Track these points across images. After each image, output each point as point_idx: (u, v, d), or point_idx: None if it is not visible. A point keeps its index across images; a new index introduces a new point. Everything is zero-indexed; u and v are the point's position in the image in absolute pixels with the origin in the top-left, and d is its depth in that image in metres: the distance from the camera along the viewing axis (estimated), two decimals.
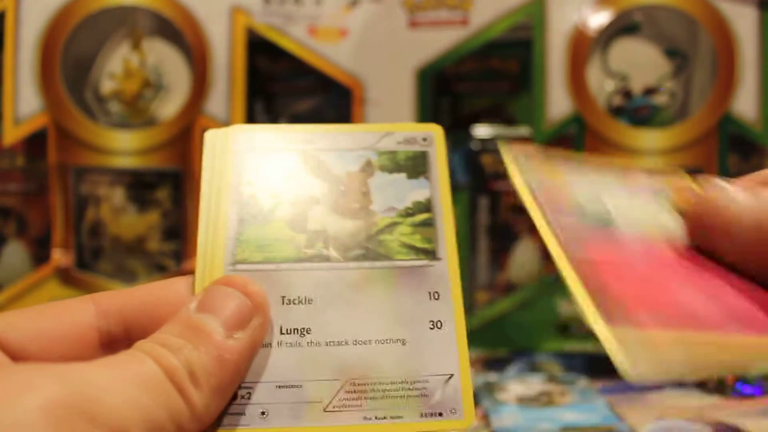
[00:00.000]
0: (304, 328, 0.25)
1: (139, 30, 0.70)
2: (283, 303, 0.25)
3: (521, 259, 0.71)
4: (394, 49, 0.68)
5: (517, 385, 0.59)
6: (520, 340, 0.67)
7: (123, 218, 0.70)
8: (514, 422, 0.51)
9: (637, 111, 0.69)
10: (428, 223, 0.27)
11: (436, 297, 0.26)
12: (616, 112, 0.69)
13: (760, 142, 0.66)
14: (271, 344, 0.24)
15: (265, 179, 0.27)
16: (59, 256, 0.67)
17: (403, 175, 0.28)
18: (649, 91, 0.69)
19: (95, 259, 0.69)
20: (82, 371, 0.20)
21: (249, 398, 0.24)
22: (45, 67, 0.66)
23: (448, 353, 0.25)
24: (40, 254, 0.71)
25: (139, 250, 0.69)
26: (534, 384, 0.59)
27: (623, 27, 0.70)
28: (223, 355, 0.22)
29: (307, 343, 0.24)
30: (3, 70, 0.67)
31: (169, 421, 0.20)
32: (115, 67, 0.70)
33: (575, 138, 0.67)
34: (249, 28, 0.68)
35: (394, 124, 0.29)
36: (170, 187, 0.70)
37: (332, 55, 0.68)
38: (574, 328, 0.67)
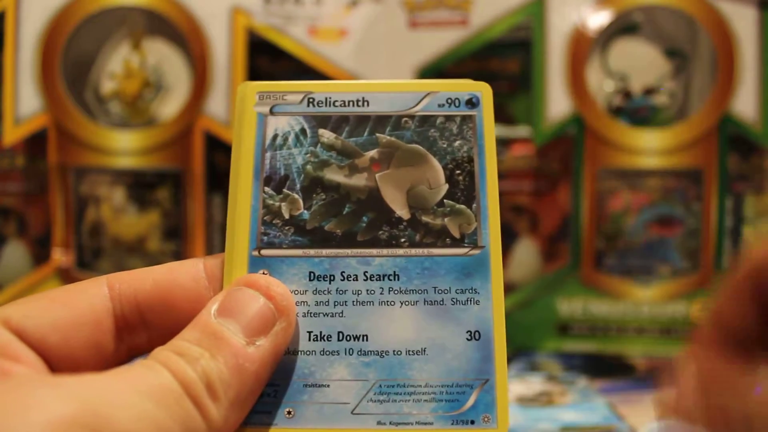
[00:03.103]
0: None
1: (139, 30, 0.70)
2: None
3: (521, 259, 0.71)
4: (394, 49, 0.68)
5: (516, 385, 0.59)
6: (519, 339, 0.67)
7: (123, 218, 0.70)
8: (513, 422, 0.51)
9: (637, 111, 0.69)
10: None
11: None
12: (616, 112, 0.69)
13: (760, 142, 0.66)
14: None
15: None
16: (59, 256, 0.67)
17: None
18: (649, 91, 0.69)
19: (95, 259, 0.69)
20: (93, 385, 0.19)
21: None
22: (45, 67, 0.66)
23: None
24: (40, 254, 0.71)
25: (139, 250, 0.69)
26: (534, 384, 0.59)
27: (623, 27, 0.70)
28: (242, 364, 0.21)
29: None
30: (3, 70, 0.67)
31: None
32: (115, 67, 0.70)
33: (575, 138, 0.67)
34: (249, 28, 0.68)
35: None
36: (170, 187, 0.70)
37: (332, 55, 0.68)
38: (574, 328, 0.67)
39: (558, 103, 0.66)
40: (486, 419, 0.23)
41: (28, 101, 0.66)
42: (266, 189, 0.24)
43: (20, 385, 0.19)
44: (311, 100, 0.25)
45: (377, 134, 0.25)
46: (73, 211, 0.68)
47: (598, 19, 0.67)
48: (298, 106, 0.25)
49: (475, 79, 0.26)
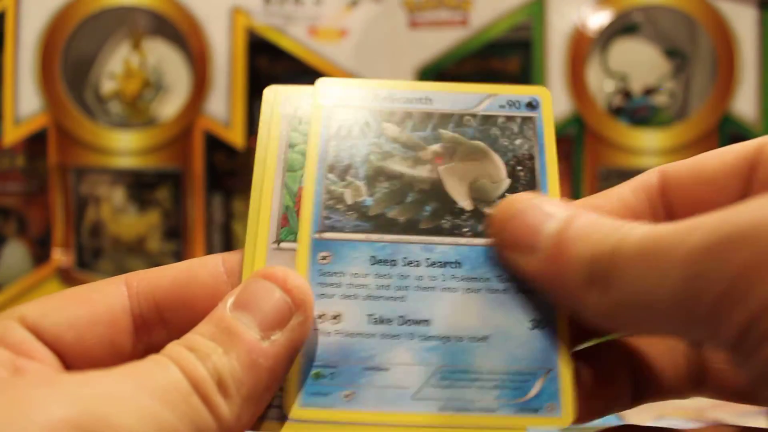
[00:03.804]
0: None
1: (139, 30, 0.70)
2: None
3: None
4: (394, 49, 0.68)
5: None
6: None
7: (123, 218, 0.70)
8: None
9: (636, 111, 0.69)
10: None
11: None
12: (616, 112, 0.69)
13: None
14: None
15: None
16: (59, 256, 0.67)
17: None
18: (649, 91, 0.69)
19: (95, 258, 0.69)
20: (96, 384, 0.18)
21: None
22: (45, 67, 0.66)
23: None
24: (40, 254, 0.71)
25: (139, 250, 0.69)
26: None
27: (623, 27, 0.70)
28: (256, 360, 0.20)
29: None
30: (3, 70, 0.67)
31: None
32: (115, 67, 0.70)
33: (575, 138, 0.67)
34: (249, 28, 0.68)
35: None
36: (170, 187, 0.70)
37: (332, 55, 0.68)
38: None
39: (558, 103, 0.66)
40: (551, 408, 0.22)
41: (28, 101, 0.66)
42: (329, 175, 0.25)
43: (19, 385, 0.19)
44: (377, 95, 0.26)
45: (440, 130, 0.26)
46: (73, 211, 0.68)
47: (598, 19, 0.67)
48: (364, 100, 0.26)
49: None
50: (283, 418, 0.22)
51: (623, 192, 0.25)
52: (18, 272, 0.69)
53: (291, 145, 0.25)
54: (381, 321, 0.23)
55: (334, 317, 0.23)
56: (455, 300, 0.23)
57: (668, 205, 0.24)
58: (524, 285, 0.23)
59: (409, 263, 0.24)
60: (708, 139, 0.66)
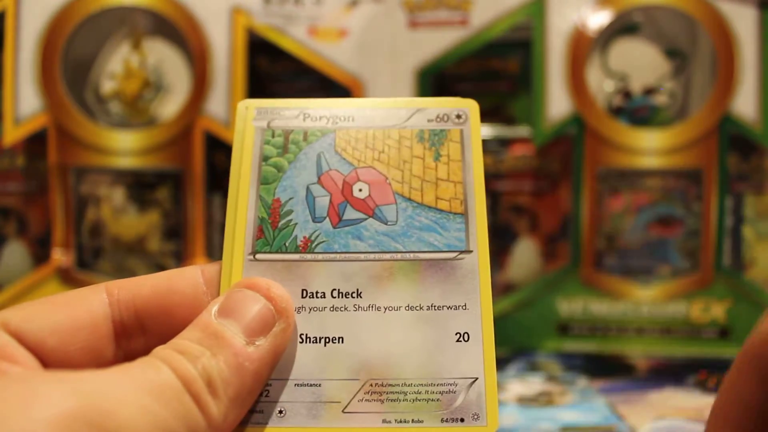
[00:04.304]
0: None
1: (139, 30, 0.70)
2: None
3: (521, 259, 0.71)
4: (394, 49, 0.68)
5: (516, 385, 0.59)
6: (519, 339, 0.67)
7: (123, 218, 0.70)
8: (514, 422, 0.51)
9: (636, 111, 0.69)
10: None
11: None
12: (616, 112, 0.69)
13: (760, 142, 0.66)
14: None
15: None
16: (59, 256, 0.67)
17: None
18: (649, 91, 0.69)
19: (95, 258, 0.69)
20: (95, 381, 0.19)
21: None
22: (45, 67, 0.66)
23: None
24: (40, 254, 0.71)
25: (139, 250, 0.69)
26: (534, 384, 0.59)
27: (623, 27, 0.70)
28: (242, 363, 0.21)
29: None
30: (3, 70, 0.67)
31: None
32: (115, 67, 0.70)
33: (575, 138, 0.67)
34: (249, 28, 0.68)
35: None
36: (170, 187, 0.70)
37: (332, 55, 0.68)
38: (574, 328, 0.67)
39: (558, 103, 0.66)
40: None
41: (28, 101, 0.66)
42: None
43: (22, 380, 0.19)
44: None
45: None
46: (73, 211, 0.68)
47: (598, 19, 0.67)
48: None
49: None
50: (263, 423, 0.23)
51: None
52: (18, 272, 0.69)
53: (265, 158, 0.26)
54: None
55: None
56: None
57: None
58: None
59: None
60: (708, 139, 0.66)
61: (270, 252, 0.25)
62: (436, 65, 0.68)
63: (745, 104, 0.65)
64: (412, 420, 0.23)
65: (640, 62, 0.70)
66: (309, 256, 0.24)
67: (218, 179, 0.70)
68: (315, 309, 0.24)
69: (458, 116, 0.27)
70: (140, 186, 0.70)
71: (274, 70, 0.75)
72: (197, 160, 0.67)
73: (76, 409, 0.18)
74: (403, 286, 0.24)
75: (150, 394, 0.19)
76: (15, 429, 0.17)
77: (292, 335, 0.23)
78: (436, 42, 0.68)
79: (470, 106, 0.27)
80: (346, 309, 0.24)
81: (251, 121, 0.26)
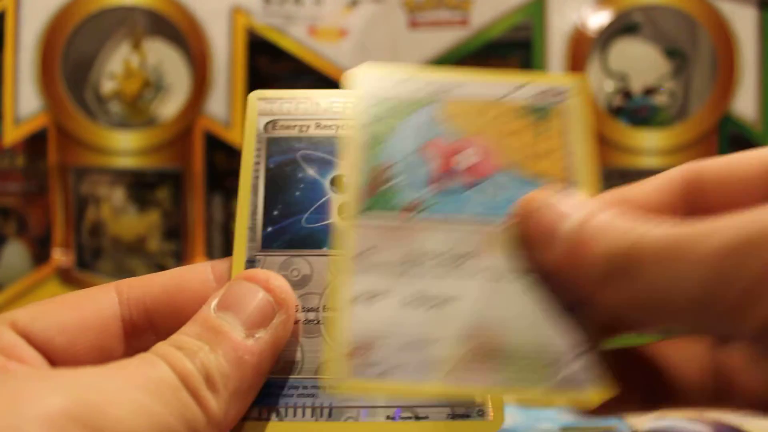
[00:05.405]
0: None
1: (139, 30, 0.70)
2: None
3: None
4: (394, 49, 0.68)
5: None
6: None
7: (123, 218, 0.70)
8: (514, 422, 0.51)
9: (637, 111, 0.69)
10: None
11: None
12: (616, 112, 0.69)
13: (760, 142, 0.66)
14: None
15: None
16: (59, 256, 0.67)
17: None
18: (649, 91, 0.69)
19: (95, 258, 0.69)
20: (90, 378, 0.19)
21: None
22: (45, 67, 0.66)
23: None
24: (40, 254, 0.71)
25: (139, 250, 0.69)
26: None
27: (623, 27, 0.70)
28: (242, 356, 0.21)
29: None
30: (3, 70, 0.67)
31: (184, 429, 0.19)
32: (115, 67, 0.70)
33: None
34: (249, 28, 0.68)
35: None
36: (170, 187, 0.70)
37: (332, 55, 0.68)
38: None
39: None
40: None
41: (28, 101, 0.66)
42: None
43: (13, 378, 0.19)
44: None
45: None
46: (73, 211, 0.68)
47: (598, 19, 0.67)
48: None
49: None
50: (265, 417, 0.23)
51: (646, 188, 0.25)
52: (18, 272, 0.69)
53: (368, 126, 0.25)
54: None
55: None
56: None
57: (692, 202, 0.24)
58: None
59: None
60: (708, 139, 0.66)
61: (377, 211, 0.24)
62: (436, 65, 0.68)
63: (744, 104, 0.65)
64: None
65: (640, 62, 0.70)
66: (414, 220, 0.24)
67: (218, 179, 0.70)
68: (418, 274, 0.23)
69: (563, 93, 0.26)
70: (140, 186, 0.70)
71: (274, 70, 0.75)
72: (197, 160, 0.67)
73: (66, 406, 0.18)
74: (507, 255, 0.24)
75: (145, 391, 0.19)
76: (4, 426, 0.17)
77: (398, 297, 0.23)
78: (436, 42, 0.68)
79: (576, 83, 0.27)
80: (450, 274, 0.23)
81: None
